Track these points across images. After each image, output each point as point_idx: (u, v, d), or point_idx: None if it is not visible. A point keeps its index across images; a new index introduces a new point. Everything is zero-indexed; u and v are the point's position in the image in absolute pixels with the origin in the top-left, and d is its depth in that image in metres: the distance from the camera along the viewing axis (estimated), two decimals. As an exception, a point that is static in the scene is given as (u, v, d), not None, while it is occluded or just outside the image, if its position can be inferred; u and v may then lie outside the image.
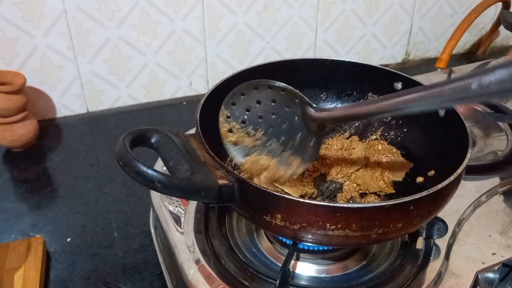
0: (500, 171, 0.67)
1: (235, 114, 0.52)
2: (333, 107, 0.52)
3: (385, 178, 0.57)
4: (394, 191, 0.56)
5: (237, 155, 0.53)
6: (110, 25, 0.88)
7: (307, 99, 0.49)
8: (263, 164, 0.51)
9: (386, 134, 0.63)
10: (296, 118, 0.50)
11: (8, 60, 0.85)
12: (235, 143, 0.52)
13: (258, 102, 0.51)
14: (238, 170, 0.58)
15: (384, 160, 0.60)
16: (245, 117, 0.52)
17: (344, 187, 0.58)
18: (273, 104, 0.51)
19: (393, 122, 0.63)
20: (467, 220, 0.59)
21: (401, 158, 0.60)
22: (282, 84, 0.50)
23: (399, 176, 0.58)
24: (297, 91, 0.49)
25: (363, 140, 0.64)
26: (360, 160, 0.60)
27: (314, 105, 0.49)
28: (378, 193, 0.57)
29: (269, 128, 0.52)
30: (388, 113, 0.46)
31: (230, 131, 0.52)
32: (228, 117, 0.52)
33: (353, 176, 0.59)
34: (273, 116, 0.51)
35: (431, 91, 0.39)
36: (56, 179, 0.79)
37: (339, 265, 0.53)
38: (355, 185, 0.58)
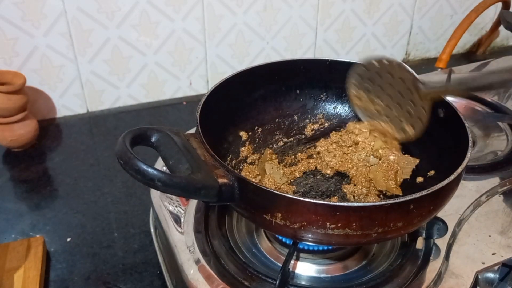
0: (500, 171, 0.67)
1: (361, 83, 0.59)
2: (439, 82, 0.58)
3: (398, 178, 0.57)
4: (401, 194, 0.56)
5: (362, 116, 0.61)
6: (110, 25, 0.88)
7: (415, 76, 0.54)
8: (382, 128, 0.59)
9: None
10: (408, 90, 0.55)
11: (8, 60, 0.85)
12: (361, 107, 0.60)
13: (379, 75, 0.57)
14: (238, 170, 0.59)
15: (391, 157, 0.59)
16: (369, 86, 0.58)
17: (353, 179, 0.58)
18: (389, 76, 0.56)
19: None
20: (467, 220, 0.59)
21: (405, 155, 0.60)
22: (396, 60, 0.56)
23: (406, 174, 0.58)
24: (408, 67, 0.55)
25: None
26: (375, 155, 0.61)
27: (421, 81, 0.54)
28: (384, 191, 0.57)
29: (387, 96, 0.58)
30: (498, 86, 0.56)
31: (358, 97, 0.60)
32: (354, 85, 0.59)
33: (365, 170, 0.59)
34: (390, 87, 0.57)
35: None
36: (56, 179, 0.79)
37: (339, 265, 0.53)
38: (363, 180, 0.58)
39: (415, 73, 0.55)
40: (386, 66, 0.56)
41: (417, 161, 0.58)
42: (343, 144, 0.61)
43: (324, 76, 0.64)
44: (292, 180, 0.59)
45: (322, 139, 0.63)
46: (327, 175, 0.60)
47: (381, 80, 0.57)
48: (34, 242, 0.63)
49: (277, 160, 0.61)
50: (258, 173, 0.58)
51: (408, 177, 0.58)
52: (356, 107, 0.61)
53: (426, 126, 0.55)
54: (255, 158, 0.61)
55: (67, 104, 0.93)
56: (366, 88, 0.59)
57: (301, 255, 0.53)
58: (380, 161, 0.59)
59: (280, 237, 0.54)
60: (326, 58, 0.63)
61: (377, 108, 0.59)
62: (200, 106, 0.52)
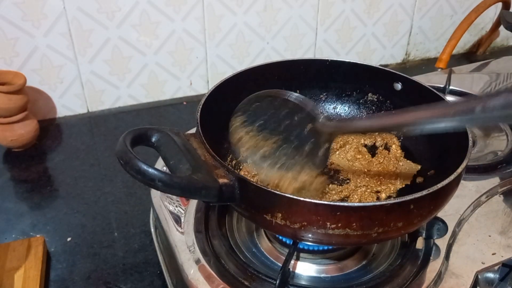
0: (500, 171, 0.67)
1: (250, 120, 0.53)
2: (342, 119, 0.55)
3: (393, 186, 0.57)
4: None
5: (249, 159, 0.54)
6: (110, 25, 0.88)
7: (317, 110, 0.50)
8: (277, 175, 0.52)
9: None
10: (307, 126, 0.51)
11: (9, 60, 0.85)
12: (248, 148, 0.53)
13: (272, 109, 0.52)
14: (238, 170, 0.59)
15: (391, 167, 0.60)
16: (260, 123, 0.53)
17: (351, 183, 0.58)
18: (286, 111, 0.51)
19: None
20: (467, 220, 0.59)
21: (406, 160, 0.60)
22: (294, 94, 0.51)
23: (407, 180, 0.57)
24: (310, 100, 0.51)
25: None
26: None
27: (323, 115, 0.50)
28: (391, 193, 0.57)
29: (282, 133, 0.52)
30: (391, 129, 0.49)
31: (245, 134, 0.53)
32: (244, 122, 0.53)
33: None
34: (286, 122, 0.52)
35: (435, 111, 0.40)
36: (56, 179, 0.79)
37: (339, 265, 0.53)
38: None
39: (314, 106, 0.50)
40: (282, 101, 0.51)
41: (419, 167, 0.58)
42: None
43: (324, 76, 0.64)
44: None
45: None
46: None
47: (275, 117, 0.52)
48: (35, 242, 0.63)
49: None
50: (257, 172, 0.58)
51: (409, 182, 0.57)
52: (242, 149, 0.54)
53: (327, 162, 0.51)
54: None
55: (68, 104, 0.94)
56: (258, 126, 0.53)
57: (301, 255, 0.53)
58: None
59: (280, 237, 0.54)
60: (326, 58, 0.63)
61: (269, 149, 0.53)
62: (200, 106, 0.52)
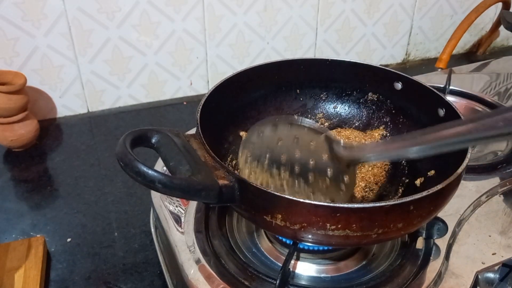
0: (500, 171, 0.67)
1: (256, 154, 0.47)
2: (362, 144, 0.46)
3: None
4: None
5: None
6: (110, 25, 0.88)
7: (333, 136, 0.45)
8: None
9: (385, 134, 0.63)
10: (323, 155, 0.46)
11: (9, 60, 0.85)
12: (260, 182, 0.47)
13: (280, 139, 0.47)
14: (238, 171, 0.59)
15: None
16: (267, 155, 0.47)
17: None
18: (296, 140, 0.47)
19: (393, 122, 0.63)
20: (467, 220, 0.59)
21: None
22: (306, 120, 0.47)
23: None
24: (322, 127, 0.46)
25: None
26: None
27: (341, 142, 0.45)
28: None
29: (294, 166, 0.47)
30: (424, 151, 0.40)
31: (253, 172, 0.48)
32: (249, 157, 0.48)
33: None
34: (298, 154, 0.47)
35: (480, 123, 0.34)
36: (56, 179, 0.79)
37: (339, 265, 0.53)
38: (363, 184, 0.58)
39: (330, 133, 0.45)
40: (290, 128, 0.45)
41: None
42: None
43: (324, 76, 0.64)
44: None
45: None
46: None
47: (282, 145, 0.46)
48: (35, 242, 0.63)
49: None
50: None
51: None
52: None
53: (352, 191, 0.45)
54: None
55: (68, 104, 0.94)
56: (263, 159, 0.47)
57: (301, 255, 0.53)
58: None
59: (280, 237, 0.54)
60: (326, 58, 0.63)
61: (281, 183, 0.47)
62: (201, 107, 0.52)
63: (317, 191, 0.46)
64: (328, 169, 0.45)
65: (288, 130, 0.47)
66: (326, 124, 0.66)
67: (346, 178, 0.45)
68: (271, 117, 0.48)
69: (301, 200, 0.41)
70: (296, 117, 0.46)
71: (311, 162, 0.46)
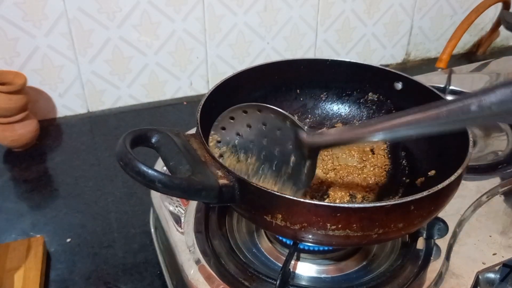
0: (501, 171, 0.67)
1: (226, 139, 0.50)
2: (324, 130, 0.50)
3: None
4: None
5: None
6: (110, 26, 0.88)
7: (298, 123, 0.48)
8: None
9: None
10: (288, 141, 0.48)
11: (9, 60, 0.85)
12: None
13: (249, 126, 0.50)
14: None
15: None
16: (236, 142, 0.50)
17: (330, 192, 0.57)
18: (264, 127, 0.49)
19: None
20: (467, 220, 0.59)
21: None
22: (272, 107, 0.48)
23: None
24: (288, 113, 0.48)
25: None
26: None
27: (305, 128, 0.48)
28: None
29: (261, 152, 0.50)
30: (381, 136, 0.43)
31: (221, 156, 0.50)
32: (218, 142, 0.51)
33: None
34: (265, 140, 0.50)
35: (427, 114, 0.37)
36: (56, 179, 0.79)
37: (340, 266, 0.53)
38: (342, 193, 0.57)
39: (294, 119, 0.48)
40: (258, 116, 0.48)
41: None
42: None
43: (324, 76, 0.64)
44: None
45: None
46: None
47: (252, 133, 0.49)
48: (35, 242, 0.63)
49: None
50: None
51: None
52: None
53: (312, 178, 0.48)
54: None
55: (68, 104, 0.93)
56: (233, 145, 0.50)
57: (302, 255, 0.53)
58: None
59: (280, 238, 0.54)
60: (326, 58, 0.63)
61: (250, 167, 0.50)
62: (201, 107, 0.52)
63: (280, 178, 0.49)
64: (292, 156, 0.48)
65: (257, 116, 0.49)
66: (327, 124, 0.66)
67: (307, 164, 0.47)
68: (241, 104, 0.49)
69: (302, 200, 0.41)
70: (264, 104, 0.48)
71: (277, 149, 0.49)
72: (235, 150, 0.50)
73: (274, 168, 0.50)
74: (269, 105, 0.48)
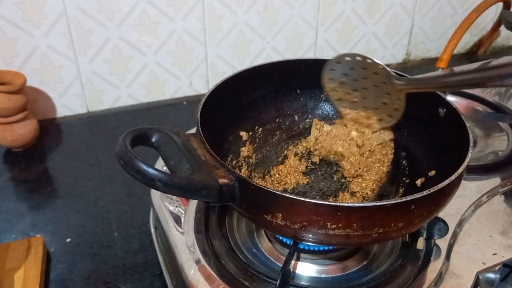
0: (501, 171, 0.67)
1: (336, 77, 0.61)
2: (408, 77, 0.59)
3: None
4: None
5: (340, 106, 0.63)
6: (110, 25, 0.88)
7: (388, 70, 0.57)
8: (362, 116, 0.61)
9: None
10: (383, 82, 0.57)
11: (9, 60, 0.85)
12: (339, 99, 0.62)
13: (352, 68, 0.59)
14: (238, 170, 0.58)
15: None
16: (343, 79, 0.60)
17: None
18: (363, 70, 0.59)
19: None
20: (468, 220, 0.59)
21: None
22: (367, 57, 0.58)
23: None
24: (379, 62, 0.57)
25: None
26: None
27: (394, 74, 0.56)
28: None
29: (363, 88, 0.60)
30: (463, 87, 0.57)
31: (334, 89, 0.62)
32: (330, 79, 0.61)
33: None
34: (365, 80, 0.59)
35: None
36: (56, 179, 0.79)
37: (340, 265, 0.53)
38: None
39: (387, 68, 0.57)
40: (359, 62, 0.58)
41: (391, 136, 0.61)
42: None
43: (324, 76, 0.64)
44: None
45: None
46: (327, 174, 0.60)
47: (355, 74, 0.60)
48: (35, 242, 0.63)
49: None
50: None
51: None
52: (333, 99, 0.63)
53: (403, 114, 0.58)
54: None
55: (68, 104, 0.93)
56: (341, 81, 0.61)
57: (302, 255, 0.53)
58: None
59: (280, 237, 0.54)
60: (327, 58, 0.63)
61: (354, 100, 0.61)
62: (201, 106, 0.52)
63: (379, 107, 0.59)
64: (386, 93, 0.58)
65: (358, 61, 0.59)
66: (327, 123, 0.66)
67: (396, 103, 0.57)
68: (345, 53, 0.60)
69: (302, 199, 0.41)
70: (361, 54, 0.58)
71: (375, 86, 0.59)
72: (343, 86, 0.61)
73: (373, 102, 0.60)
74: (365, 56, 0.58)
